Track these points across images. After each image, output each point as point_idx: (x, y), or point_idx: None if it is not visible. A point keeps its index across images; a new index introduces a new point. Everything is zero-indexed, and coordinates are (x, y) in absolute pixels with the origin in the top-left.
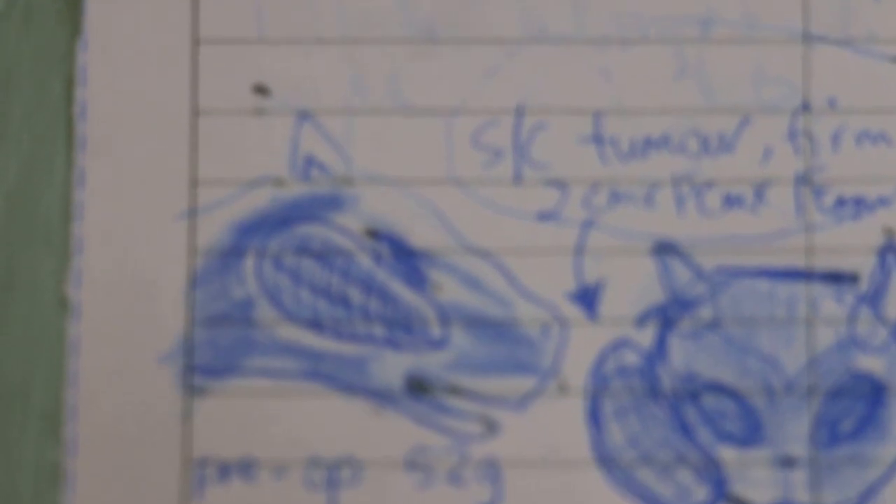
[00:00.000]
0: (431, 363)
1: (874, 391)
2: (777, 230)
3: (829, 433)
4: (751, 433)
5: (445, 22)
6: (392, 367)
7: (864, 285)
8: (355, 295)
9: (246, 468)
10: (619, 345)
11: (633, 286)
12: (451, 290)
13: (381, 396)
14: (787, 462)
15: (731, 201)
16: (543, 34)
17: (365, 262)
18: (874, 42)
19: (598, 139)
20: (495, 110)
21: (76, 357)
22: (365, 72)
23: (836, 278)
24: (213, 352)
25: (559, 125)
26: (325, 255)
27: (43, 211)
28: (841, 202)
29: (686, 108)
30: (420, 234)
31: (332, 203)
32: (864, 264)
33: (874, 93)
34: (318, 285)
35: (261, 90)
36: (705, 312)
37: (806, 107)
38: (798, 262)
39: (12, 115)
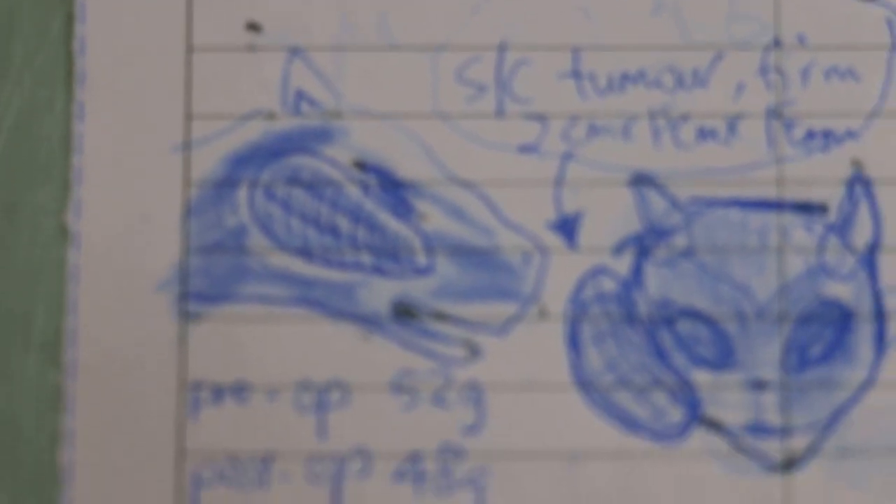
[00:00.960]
0: (417, 290)
1: (842, 317)
2: (749, 162)
3: (798, 357)
4: (723, 357)
5: None
6: (379, 293)
7: (832, 215)
8: (344, 224)
9: (239, 391)
10: (597, 272)
11: (610, 216)
12: (435, 220)
13: (368, 322)
14: (758, 385)
15: (704, 134)
16: None
17: (353, 192)
18: None
19: (576, 74)
20: (479, 47)
21: (75, 284)
22: (353, 10)
23: (806, 208)
24: (207, 279)
25: (540, 61)
26: (314, 186)
27: (44, 143)
28: (810, 135)
29: (661, 45)
30: (406, 166)
31: (322, 136)
32: (833, 195)
33: (842, 30)
34: (308, 215)
35: (253, 27)
36: (680, 241)
37: (777, 43)
38: (769, 192)
39: (14, 52)
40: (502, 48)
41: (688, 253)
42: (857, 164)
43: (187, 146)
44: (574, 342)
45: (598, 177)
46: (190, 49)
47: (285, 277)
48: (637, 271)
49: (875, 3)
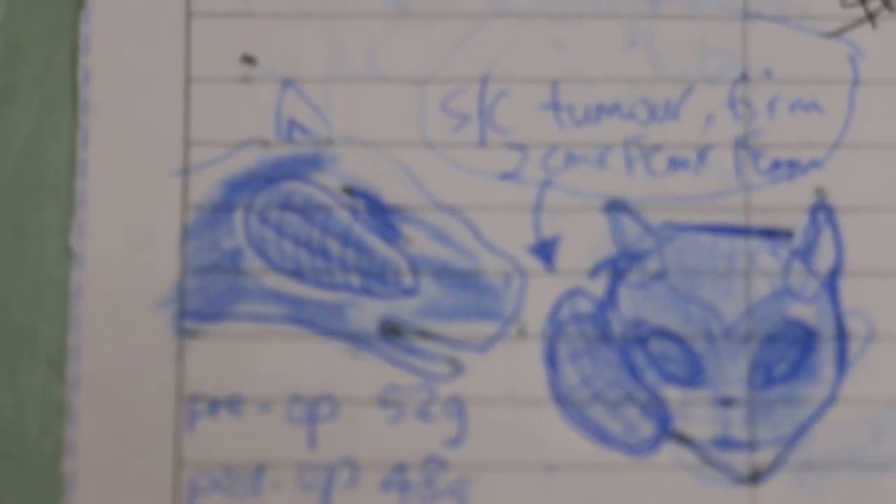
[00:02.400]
0: (403, 309)
1: (806, 337)
2: (718, 190)
3: (764, 375)
4: (693, 375)
5: None
6: (367, 312)
7: (797, 241)
8: (334, 247)
9: (234, 404)
10: (574, 293)
11: (586, 240)
12: (421, 243)
13: (356, 339)
14: (726, 401)
15: (676, 163)
16: (506, 9)
17: (343, 216)
18: (807, 18)
19: (555, 106)
20: (463, 79)
21: (79, 302)
22: (344, 43)
23: (772, 234)
24: (204, 298)
25: (520, 93)
26: (306, 211)
27: (50, 168)
28: (776, 164)
29: (635, 78)
30: (393, 192)
31: (313, 163)
32: (798, 221)
33: (806, 65)
34: (300, 238)
35: (248, 60)
36: (652, 264)
37: (744, 77)
38: (737, 219)
39: (23, 81)
40: (485, 80)
41: (660, 275)
42: (820, 193)
43: (186, 172)
44: (551, 360)
45: (575, 203)
46: (188, 80)
47: (278, 297)
48: (611, 293)
49: (838, 40)
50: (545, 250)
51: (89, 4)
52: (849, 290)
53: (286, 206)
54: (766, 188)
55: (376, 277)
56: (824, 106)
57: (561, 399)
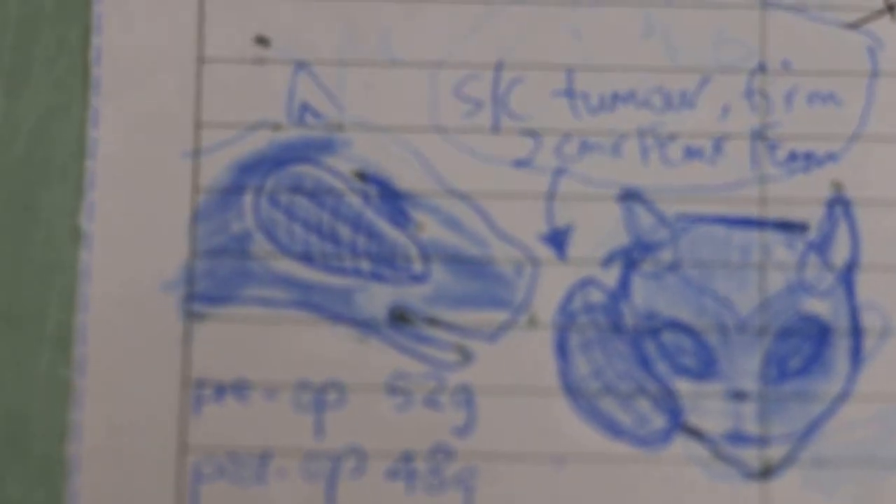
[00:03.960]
0: (413, 296)
1: (820, 332)
2: (733, 181)
3: (777, 370)
4: (705, 368)
5: None
6: (376, 298)
7: (812, 234)
8: (344, 231)
9: (240, 389)
10: (586, 283)
11: (599, 230)
12: (432, 230)
13: (365, 325)
14: (738, 395)
15: (691, 153)
16: None
17: (354, 201)
18: (826, 9)
19: (570, 93)
20: (477, 65)
21: (87, 283)
22: (357, 26)
23: (787, 227)
24: (213, 281)
25: (535, 80)
26: (317, 195)
27: (60, 148)
28: (793, 156)
29: (651, 67)
30: (405, 178)
31: (325, 147)
32: (814, 214)
33: (825, 56)
34: (310, 222)
35: (261, 41)
36: (666, 255)
37: (762, 67)
38: (752, 210)
39: (34, 61)
40: (499, 67)
41: (673, 267)
42: (836, 186)
43: (196, 154)
44: (562, 350)
45: (589, 192)
46: (201, 60)
47: (287, 281)
48: (624, 283)
49: (857, 32)
50: (557, 239)
51: None
52: (864, 285)
53: (297, 189)
54: (782, 180)
55: (386, 263)
56: (842, 98)
57: (571, 390)
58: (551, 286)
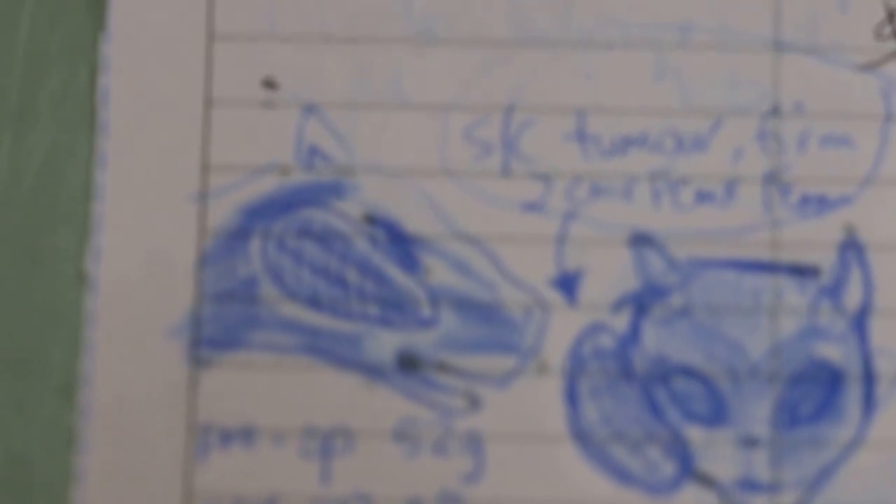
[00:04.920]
0: (421, 341)
1: (832, 378)
2: (745, 225)
3: (789, 416)
4: (716, 414)
5: (443, 23)
6: (384, 344)
7: (825, 278)
8: (352, 276)
9: (247, 435)
10: (596, 329)
11: (610, 274)
12: (441, 274)
13: (373, 371)
14: (749, 442)
15: (703, 197)
16: (533, 37)
17: (362, 245)
18: (840, 51)
19: (581, 136)
20: (487, 107)
21: (92, 328)
22: (367, 68)
23: (800, 271)
24: (219, 326)
25: (545, 123)
26: (325, 239)
27: (66, 190)
28: (805, 200)
29: (663, 109)
30: (414, 221)
31: (334, 190)
32: (826, 258)
33: (838, 99)
34: (318, 266)
35: (270, 84)
36: (677, 300)
37: (775, 110)
38: (764, 254)
39: (41, 101)
40: (509, 109)
41: (684, 312)
42: (849, 229)
43: (204, 196)
44: (572, 396)
45: (599, 236)
46: (209, 103)
47: (294, 326)
48: (634, 328)
49: (871, 74)
50: (567, 283)
51: (110, 24)
52: (877, 330)
53: (305, 233)
54: (795, 224)
55: (394, 308)
56: (856, 141)
57: (581, 436)
58: (561, 331)
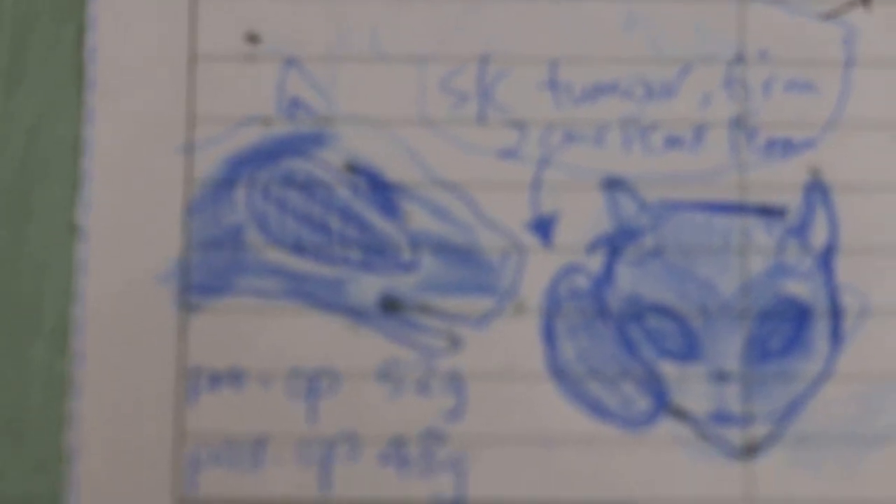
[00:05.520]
0: (402, 284)
1: (800, 314)
2: (714, 168)
3: (759, 351)
4: (689, 350)
5: None
6: (367, 287)
7: (791, 218)
8: (335, 222)
9: (235, 378)
10: (571, 270)
11: (584, 217)
12: (420, 219)
13: (356, 314)
14: (721, 376)
15: (672, 142)
16: None
17: (344, 193)
18: (802, 0)
19: (553, 85)
20: (463, 58)
21: (83, 277)
22: (346, 23)
23: (767, 212)
24: (207, 272)
25: (519, 72)
26: (308, 187)
27: (56, 145)
28: (771, 143)
29: (633, 58)
30: (394, 169)
31: (316, 140)
32: (792, 199)
33: (801, 46)
34: (301, 214)
35: (252, 38)
36: (649, 241)
37: (740, 58)
38: (732, 196)
39: (31, 60)
40: (484, 60)
41: (656, 252)
42: (814, 171)
43: (190, 148)
44: (549, 335)
45: (573, 181)
46: (193, 58)
47: (279, 272)
48: (608, 269)
49: (832, 22)
50: (543, 227)
51: None
52: (842, 267)
53: (288, 182)
54: (761, 166)
55: (376, 253)
56: (819, 86)
57: (558, 374)
58: (537, 273)
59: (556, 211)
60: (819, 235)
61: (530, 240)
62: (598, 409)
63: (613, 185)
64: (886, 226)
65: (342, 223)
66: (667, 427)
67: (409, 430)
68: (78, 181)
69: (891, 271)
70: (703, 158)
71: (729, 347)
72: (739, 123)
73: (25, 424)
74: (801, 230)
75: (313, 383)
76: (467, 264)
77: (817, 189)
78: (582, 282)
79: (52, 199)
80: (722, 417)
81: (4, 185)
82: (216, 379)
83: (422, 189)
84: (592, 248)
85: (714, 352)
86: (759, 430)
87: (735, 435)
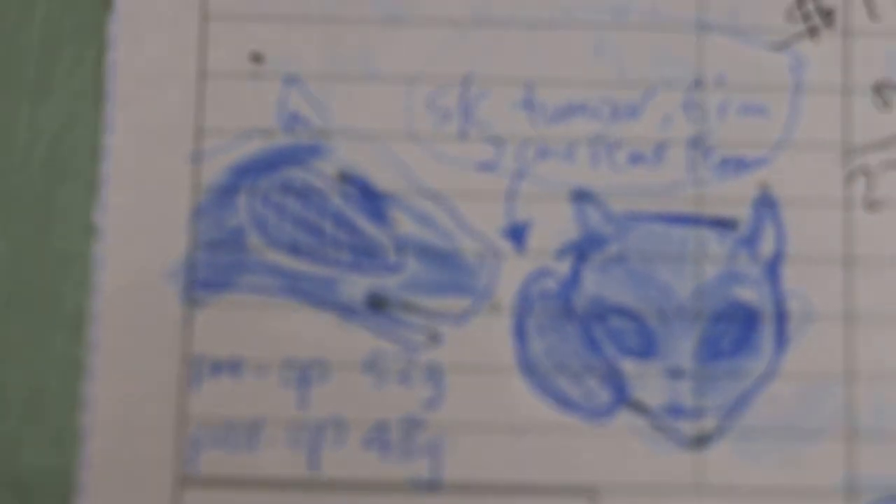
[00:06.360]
0: (388, 284)
1: (748, 317)
2: (673, 183)
3: (710, 350)
4: (647, 348)
5: (409, 5)
6: (356, 286)
7: (742, 230)
8: (328, 227)
9: (234, 366)
10: (542, 273)
11: (554, 225)
12: (406, 225)
13: (345, 310)
14: (676, 373)
15: (635, 158)
16: (488, 17)
17: (337, 200)
18: (756, 31)
19: (529, 105)
20: (447, 79)
21: (100, 272)
22: (342, 44)
23: (720, 223)
24: (211, 271)
25: (498, 93)
26: (304, 194)
27: (78, 152)
28: (725, 161)
29: (601, 81)
30: (383, 179)
31: (312, 152)
32: (743, 212)
33: (754, 73)
34: (298, 218)
35: (257, 58)
36: (613, 248)
37: (698, 83)
38: (689, 209)
39: (56, 75)
40: (467, 81)
41: (619, 259)
42: (764, 187)
43: (198, 157)
44: (520, 333)
45: (545, 192)
46: (202, 75)
47: (276, 271)
48: (575, 273)
49: (782, 52)
50: (517, 234)
51: (117, 7)
52: (789, 275)
53: (286, 189)
54: (716, 182)
55: (365, 255)
56: (770, 110)
57: (527, 368)
58: (511, 275)
59: (529, 219)
60: (767, 246)
61: (505, 245)
62: (563, 401)
63: (582, 196)
64: (829, 237)
65: (334, 227)
66: (625, 418)
67: (391, 417)
68: (96, 185)
69: (832, 279)
70: (663, 174)
71: (683, 346)
72: (697, 143)
73: (44, 405)
74: (751, 241)
75: (305, 373)
76: (447, 267)
77: (766, 203)
78: (551, 284)
79: (73, 200)
80: (675, 410)
81: (30, 188)
82: (217, 367)
83: (407, 197)
84: (561, 253)
85: (670, 350)
86: (709, 422)
87: (687, 427)
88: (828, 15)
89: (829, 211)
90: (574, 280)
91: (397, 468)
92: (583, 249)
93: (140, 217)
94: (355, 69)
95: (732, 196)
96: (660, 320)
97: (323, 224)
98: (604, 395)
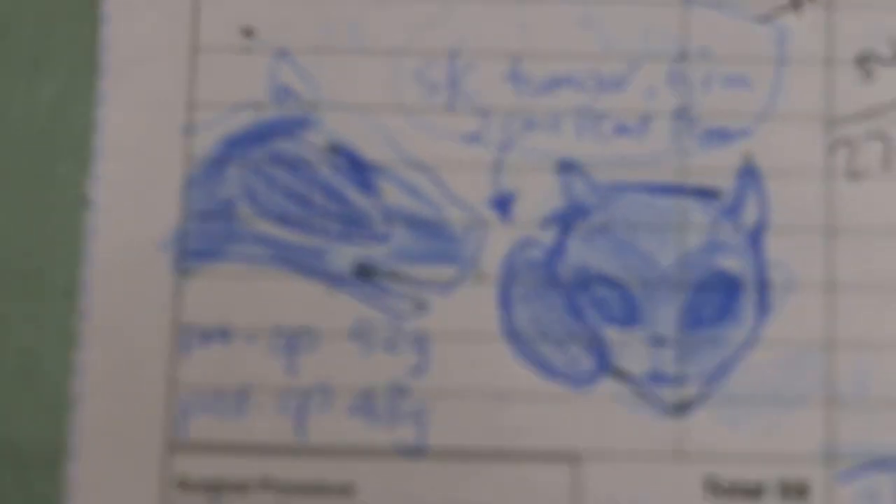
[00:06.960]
0: (376, 253)
1: (730, 286)
2: (657, 153)
3: (693, 318)
4: (630, 316)
5: None
6: (344, 255)
7: (725, 199)
8: (317, 197)
9: (224, 334)
10: (527, 243)
11: (539, 196)
12: (393, 196)
13: (334, 279)
14: (658, 341)
15: (620, 129)
16: None
17: (326, 171)
18: (740, 4)
19: (515, 77)
20: (434, 52)
21: (93, 242)
22: (331, 19)
23: (703, 193)
24: (202, 240)
25: (485, 65)
26: (294, 165)
27: (72, 125)
28: (709, 132)
29: (587, 54)
30: (371, 150)
31: (302, 124)
32: (726, 183)
33: (738, 45)
34: (287, 189)
35: (247, 32)
36: (597, 218)
37: (683, 55)
38: (673, 179)
39: (51, 50)
40: (454, 54)
41: (603, 228)
42: (747, 157)
43: (190, 129)
44: (505, 301)
45: (530, 163)
46: (195, 49)
47: (266, 241)
48: (560, 243)
49: (766, 24)
50: (502, 204)
51: None
52: (770, 244)
53: (276, 161)
54: (700, 153)
55: (353, 225)
56: (753, 81)
57: (512, 336)
58: (496, 245)
59: (515, 190)
60: (750, 215)
61: (491, 215)
62: (546, 369)
63: (567, 167)
64: (811, 207)
65: (323, 198)
66: (608, 386)
67: (378, 384)
68: (90, 157)
69: (814, 249)
70: (648, 145)
71: (666, 315)
72: (681, 114)
73: (39, 371)
74: (733, 210)
75: (293, 341)
76: (434, 236)
77: (749, 174)
78: (536, 254)
79: (67, 172)
80: (657, 378)
81: (26, 160)
82: (207, 335)
83: (395, 168)
84: (546, 223)
85: (652, 318)
86: (690, 389)
87: (668, 394)
88: None
89: (811, 181)
90: (559, 249)
91: (383, 434)
92: (568, 219)
93: (133, 189)
94: (344, 43)
95: (716, 167)
96: (643, 289)
97: (312, 195)
98: (587, 363)
